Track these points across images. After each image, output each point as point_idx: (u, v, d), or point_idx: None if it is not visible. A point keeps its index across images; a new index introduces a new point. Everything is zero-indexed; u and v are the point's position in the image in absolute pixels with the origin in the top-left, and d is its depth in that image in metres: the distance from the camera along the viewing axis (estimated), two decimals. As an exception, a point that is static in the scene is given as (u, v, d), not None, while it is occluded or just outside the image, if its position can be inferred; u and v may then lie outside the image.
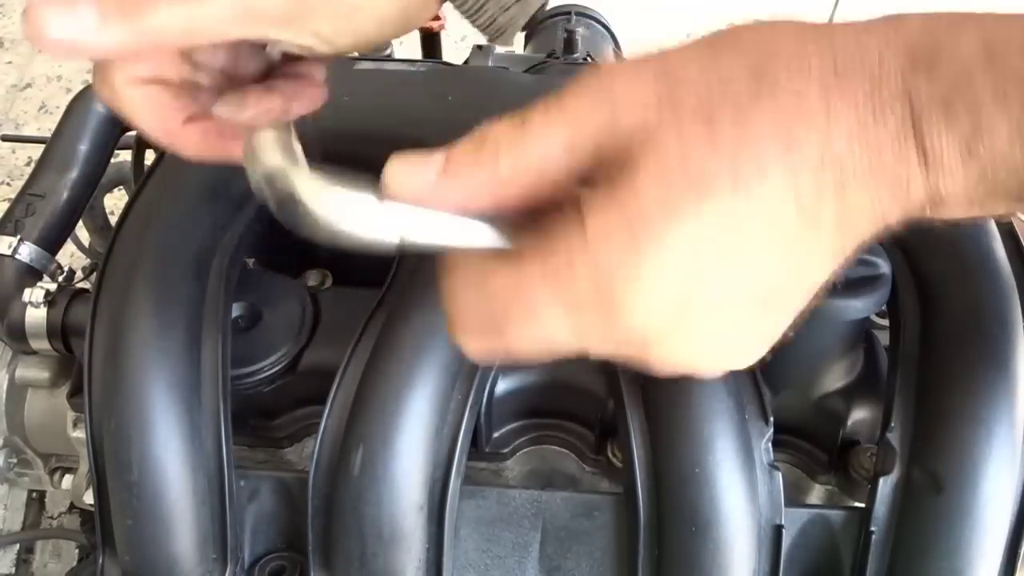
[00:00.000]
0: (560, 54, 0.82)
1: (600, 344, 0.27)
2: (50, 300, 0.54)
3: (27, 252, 0.57)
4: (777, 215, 0.25)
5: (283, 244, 0.61)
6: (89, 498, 0.53)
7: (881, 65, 0.25)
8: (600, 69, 0.27)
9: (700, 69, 0.26)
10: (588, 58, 0.81)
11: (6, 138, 1.05)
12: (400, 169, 0.28)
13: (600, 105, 0.26)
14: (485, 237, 0.28)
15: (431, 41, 1.09)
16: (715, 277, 0.26)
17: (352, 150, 0.53)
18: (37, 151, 0.62)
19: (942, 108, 0.25)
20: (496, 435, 0.54)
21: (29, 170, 0.62)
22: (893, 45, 0.25)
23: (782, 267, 0.27)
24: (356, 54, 0.63)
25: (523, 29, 0.41)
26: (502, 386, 0.51)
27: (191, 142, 0.37)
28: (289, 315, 0.52)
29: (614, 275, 0.25)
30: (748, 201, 0.25)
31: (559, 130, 0.27)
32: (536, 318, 0.27)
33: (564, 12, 1.07)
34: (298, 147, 0.31)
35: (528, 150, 0.27)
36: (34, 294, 0.54)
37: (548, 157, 0.27)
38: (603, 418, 0.52)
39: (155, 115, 0.35)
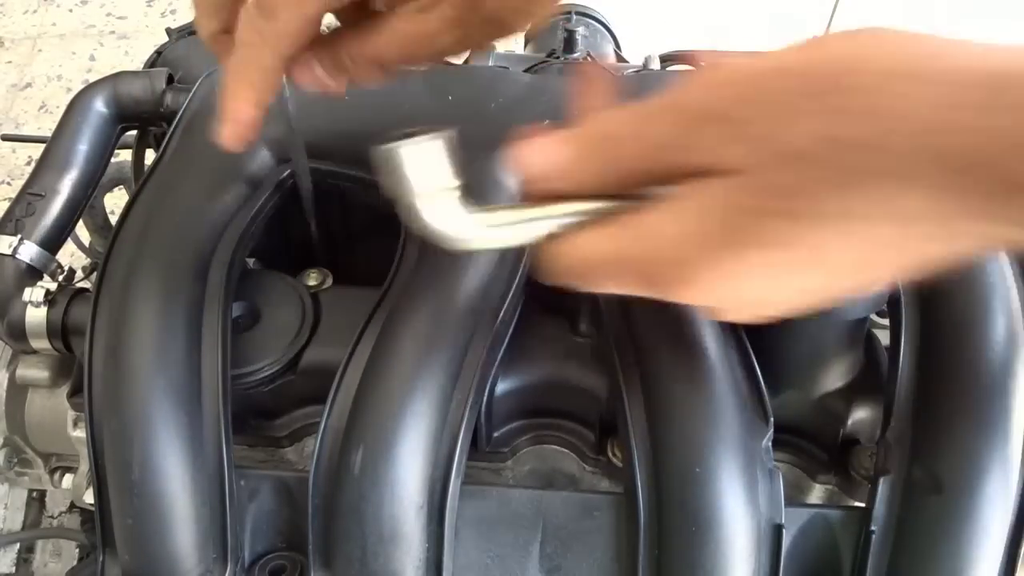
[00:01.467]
0: (560, 53, 0.82)
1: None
2: (50, 300, 0.54)
3: (27, 251, 0.56)
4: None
5: (283, 244, 0.61)
6: (89, 498, 0.53)
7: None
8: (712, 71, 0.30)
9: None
10: (588, 57, 0.80)
11: (6, 138, 1.04)
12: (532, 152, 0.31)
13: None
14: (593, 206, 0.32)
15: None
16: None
17: (352, 149, 0.53)
18: (37, 151, 0.62)
19: None
20: (496, 435, 0.54)
21: (29, 170, 0.61)
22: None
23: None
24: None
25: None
26: (502, 386, 0.51)
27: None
28: (289, 315, 0.52)
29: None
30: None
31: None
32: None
33: (564, 12, 1.06)
34: (448, 164, 0.31)
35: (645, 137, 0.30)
36: (34, 293, 0.54)
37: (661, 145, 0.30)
38: (603, 418, 0.52)
39: None
